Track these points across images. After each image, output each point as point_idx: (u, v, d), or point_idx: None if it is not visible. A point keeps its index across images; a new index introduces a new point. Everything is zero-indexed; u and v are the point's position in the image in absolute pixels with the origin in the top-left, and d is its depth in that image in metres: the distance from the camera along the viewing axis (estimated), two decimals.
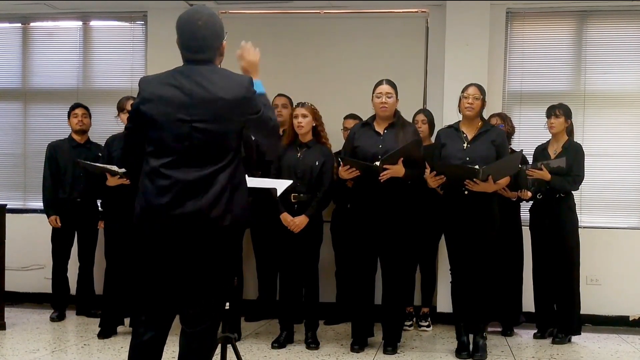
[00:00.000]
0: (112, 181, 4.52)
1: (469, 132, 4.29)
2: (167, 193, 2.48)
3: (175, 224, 2.49)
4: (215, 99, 2.47)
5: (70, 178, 5.24)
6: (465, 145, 4.25)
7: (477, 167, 4.04)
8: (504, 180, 4.23)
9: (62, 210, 5.25)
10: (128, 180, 4.42)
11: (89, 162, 4.80)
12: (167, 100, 2.48)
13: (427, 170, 4.29)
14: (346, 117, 5.14)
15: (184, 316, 2.59)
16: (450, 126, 4.41)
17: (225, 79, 2.52)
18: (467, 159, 4.19)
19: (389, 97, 4.31)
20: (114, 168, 4.47)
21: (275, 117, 2.71)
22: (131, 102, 4.54)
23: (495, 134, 4.30)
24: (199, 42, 2.53)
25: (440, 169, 4.16)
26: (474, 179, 4.06)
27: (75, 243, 5.36)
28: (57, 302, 5.33)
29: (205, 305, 2.56)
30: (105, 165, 4.55)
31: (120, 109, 4.68)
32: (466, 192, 4.16)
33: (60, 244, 5.31)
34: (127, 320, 4.81)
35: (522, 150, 4.40)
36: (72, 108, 5.33)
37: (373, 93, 4.36)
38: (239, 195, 2.55)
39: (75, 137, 5.33)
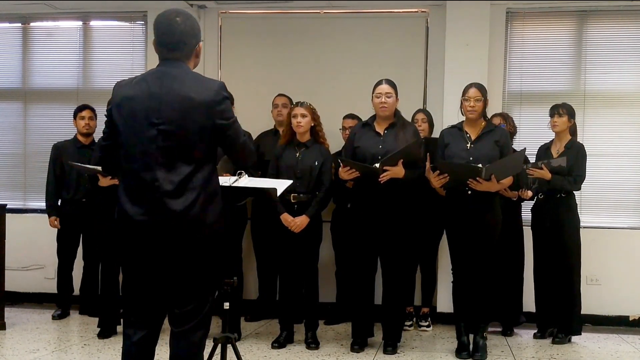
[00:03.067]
0: (104, 182, 4.54)
1: (473, 132, 4.28)
2: (138, 198, 2.48)
3: (147, 230, 2.48)
4: (183, 102, 2.46)
5: (75, 178, 5.24)
6: (468, 145, 4.25)
7: (480, 165, 4.03)
8: (507, 180, 4.22)
9: (67, 211, 5.26)
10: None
11: (80, 164, 4.79)
12: (136, 104, 2.48)
13: (428, 163, 4.29)
14: (345, 117, 5.14)
15: (171, 316, 2.59)
16: (453, 126, 4.40)
17: (196, 82, 2.51)
18: (471, 158, 4.18)
19: (388, 97, 4.31)
20: None
21: (248, 142, 2.66)
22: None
23: (499, 134, 4.30)
24: (176, 37, 2.52)
25: (443, 168, 4.16)
26: (477, 178, 4.06)
27: (81, 243, 5.36)
28: (61, 301, 5.34)
29: (191, 305, 2.56)
30: (96, 167, 4.55)
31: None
32: (469, 192, 4.16)
33: (65, 243, 5.32)
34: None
35: (525, 148, 4.39)
36: (80, 109, 5.32)
37: (373, 93, 4.36)
38: (214, 206, 2.53)
39: (80, 138, 5.33)
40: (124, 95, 2.51)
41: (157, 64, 2.58)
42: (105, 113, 2.63)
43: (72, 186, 5.26)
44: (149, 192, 2.46)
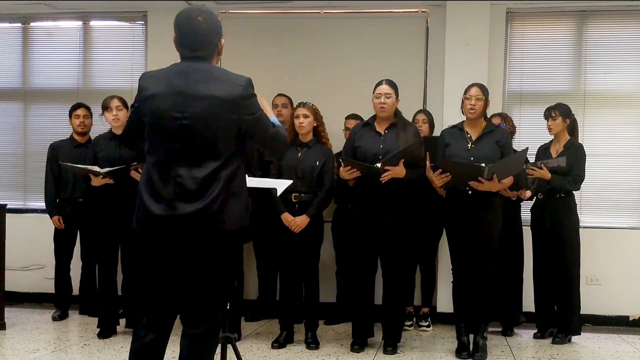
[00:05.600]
0: (96, 182, 4.53)
1: (473, 132, 4.28)
2: (159, 193, 2.47)
3: (165, 225, 2.47)
4: (208, 97, 2.45)
5: (72, 178, 5.23)
6: (469, 145, 4.25)
7: (483, 164, 4.03)
8: (508, 180, 4.22)
9: (64, 210, 5.26)
10: (112, 180, 4.44)
11: (71, 165, 4.78)
12: (160, 101, 2.47)
13: (428, 163, 4.29)
14: (347, 117, 5.15)
15: (185, 318, 2.58)
16: (454, 126, 4.40)
17: (222, 77, 2.50)
18: (472, 159, 4.18)
19: (387, 98, 4.30)
20: (96, 169, 4.48)
21: (280, 129, 2.66)
22: (115, 101, 4.59)
23: (500, 134, 4.29)
24: (199, 37, 2.51)
25: (445, 167, 4.14)
26: (479, 178, 4.05)
27: (78, 243, 5.36)
28: (60, 301, 5.34)
29: (206, 308, 2.56)
30: (87, 167, 4.56)
31: (104, 107, 4.67)
32: (470, 192, 4.16)
33: (62, 243, 5.32)
34: (122, 321, 4.82)
35: (527, 148, 4.37)
36: (74, 108, 5.31)
37: (373, 93, 4.36)
38: (236, 203, 2.50)
39: (76, 137, 5.32)
40: (151, 91, 2.50)
41: (177, 61, 2.57)
42: (132, 106, 2.61)
43: (69, 186, 5.26)
44: (170, 188, 2.46)
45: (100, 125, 5.37)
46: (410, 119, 4.80)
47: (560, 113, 4.68)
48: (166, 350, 2.65)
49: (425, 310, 5.20)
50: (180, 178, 2.45)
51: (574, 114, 4.78)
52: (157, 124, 2.50)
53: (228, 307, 3.18)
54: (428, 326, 5.15)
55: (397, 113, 4.39)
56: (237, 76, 2.54)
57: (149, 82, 2.53)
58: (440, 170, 4.14)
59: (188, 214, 2.44)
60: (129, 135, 2.72)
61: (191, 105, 2.45)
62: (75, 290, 5.41)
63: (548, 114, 4.71)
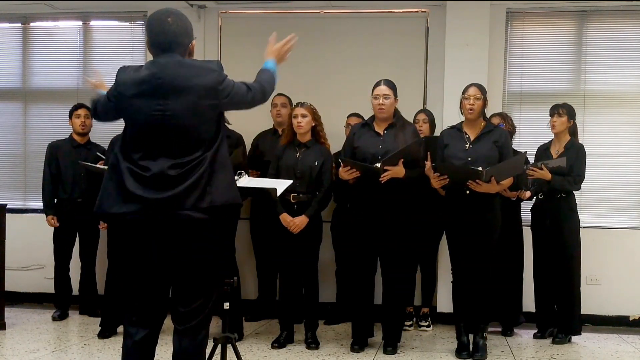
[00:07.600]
0: None
1: (472, 133, 4.28)
2: (145, 184, 2.48)
3: (153, 211, 2.47)
4: (187, 90, 2.48)
5: (71, 178, 5.25)
6: (467, 145, 4.25)
7: (480, 168, 4.03)
8: (507, 181, 4.22)
9: (63, 210, 5.27)
10: None
11: (90, 164, 4.82)
12: (141, 100, 2.50)
13: (428, 164, 4.29)
14: (350, 115, 5.14)
15: (175, 314, 2.59)
16: (453, 127, 4.41)
17: (195, 67, 2.53)
18: (469, 159, 4.18)
19: (386, 99, 4.30)
20: None
21: (256, 93, 2.70)
22: None
23: (498, 134, 4.29)
24: (168, 37, 2.54)
25: (443, 170, 4.14)
26: (477, 180, 4.05)
27: (77, 243, 5.37)
28: (60, 301, 5.34)
29: (195, 303, 2.56)
30: (107, 167, 4.55)
31: None
32: (467, 192, 4.15)
33: (61, 244, 5.32)
34: None
35: (525, 152, 4.38)
36: (75, 108, 5.33)
37: (372, 94, 4.36)
38: (221, 177, 2.52)
39: (76, 137, 5.33)
40: (129, 93, 2.53)
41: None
42: (110, 94, 2.63)
43: (68, 186, 5.27)
44: (152, 179, 2.47)
45: (99, 126, 5.35)
46: (410, 119, 4.80)
47: (567, 112, 4.69)
48: (167, 351, 2.65)
49: (426, 310, 5.20)
50: (163, 170, 2.47)
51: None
52: (138, 122, 2.53)
53: (228, 307, 3.18)
54: (428, 326, 5.15)
55: (395, 113, 4.39)
56: (207, 62, 2.59)
57: (127, 82, 2.56)
58: (438, 172, 4.15)
59: (174, 195, 2.45)
60: (102, 115, 2.77)
61: (171, 101, 2.48)
62: (75, 291, 5.42)
63: (555, 111, 4.71)
